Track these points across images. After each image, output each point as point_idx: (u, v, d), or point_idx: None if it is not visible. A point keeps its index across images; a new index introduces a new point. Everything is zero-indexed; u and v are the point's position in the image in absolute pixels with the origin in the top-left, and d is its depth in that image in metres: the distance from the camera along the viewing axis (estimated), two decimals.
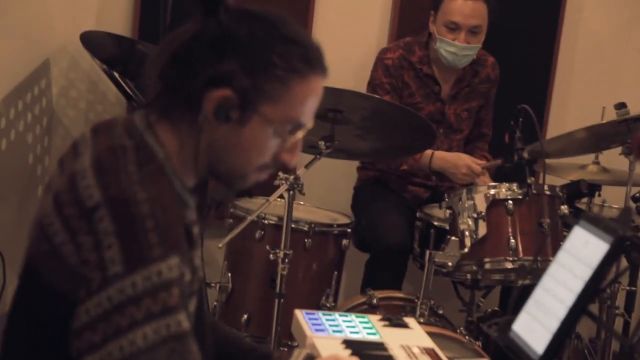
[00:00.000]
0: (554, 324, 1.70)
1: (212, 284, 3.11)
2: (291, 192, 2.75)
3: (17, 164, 3.43)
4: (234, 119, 1.43)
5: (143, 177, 1.37)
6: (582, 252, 1.74)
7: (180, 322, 1.33)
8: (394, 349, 1.98)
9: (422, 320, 2.75)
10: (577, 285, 1.70)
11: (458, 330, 2.78)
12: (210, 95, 1.42)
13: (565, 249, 1.80)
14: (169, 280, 1.32)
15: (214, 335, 1.73)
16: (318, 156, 2.82)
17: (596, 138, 3.24)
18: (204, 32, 1.43)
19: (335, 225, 3.15)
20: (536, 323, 1.77)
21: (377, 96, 3.24)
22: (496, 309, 3.35)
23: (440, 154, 3.39)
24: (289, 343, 2.84)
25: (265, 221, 3.04)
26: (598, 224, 1.74)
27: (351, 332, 2.05)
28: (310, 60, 1.47)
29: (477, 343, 2.77)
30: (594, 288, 1.69)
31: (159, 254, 1.32)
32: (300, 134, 1.50)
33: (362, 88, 3.49)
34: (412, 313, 2.81)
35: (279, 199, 2.82)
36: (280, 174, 2.74)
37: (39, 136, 3.60)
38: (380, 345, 2.00)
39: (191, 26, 1.45)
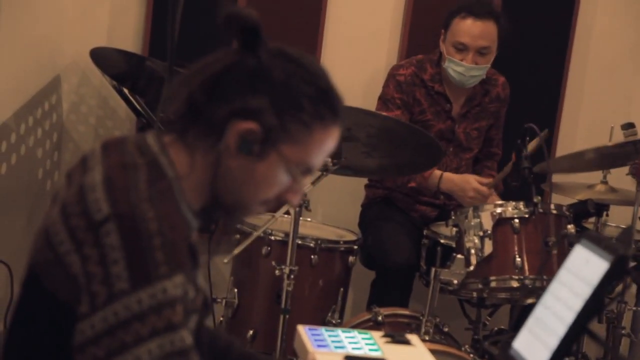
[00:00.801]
0: (553, 342, 1.70)
1: (219, 300, 3.12)
2: (297, 208, 2.76)
3: (26, 178, 3.46)
4: (253, 153, 1.47)
5: (152, 195, 1.39)
6: (582, 271, 1.74)
7: (183, 338, 1.35)
8: None
9: (427, 338, 2.75)
10: (576, 304, 1.70)
11: (463, 348, 2.78)
12: (236, 126, 1.45)
13: (567, 267, 1.80)
14: (173, 298, 1.34)
15: (214, 344, 1.76)
16: (325, 173, 2.83)
17: (604, 158, 3.24)
18: (241, 65, 1.47)
19: (341, 242, 3.16)
20: (536, 340, 1.77)
21: (384, 113, 3.25)
22: (502, 327, 3.35)
23: (448, 176, 3.40)
24: (294, 359, 2.84)
25: (272, 237, 3.05)
26: (599, 242, 1.74)
27: (353, 348, 2.05)
28: (336, 110, 1.53)
29: None
30: (594, 306, 1.68)
31: (165, 272, 1.34)
32: (308, 177, 1.55)
33: (371, 106, 3.51)
34: (417, 330, 2.80)
35: (286, 216, 2.83)
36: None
37: (48, 151, 3.63)
38: None
39: (226, 56, 1.50)
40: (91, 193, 1.40)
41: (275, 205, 1.57)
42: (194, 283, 1.43)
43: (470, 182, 3.36)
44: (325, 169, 2.82)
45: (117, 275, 1.33)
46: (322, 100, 1.50)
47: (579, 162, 3.25)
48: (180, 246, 1.38)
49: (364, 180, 3.69)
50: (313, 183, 2.83)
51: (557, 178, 3.60)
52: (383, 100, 3.48)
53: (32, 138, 3.46)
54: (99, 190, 1.40)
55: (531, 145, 3.08)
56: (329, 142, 1.53)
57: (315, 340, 2.06)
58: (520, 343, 1.83)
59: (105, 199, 1.39)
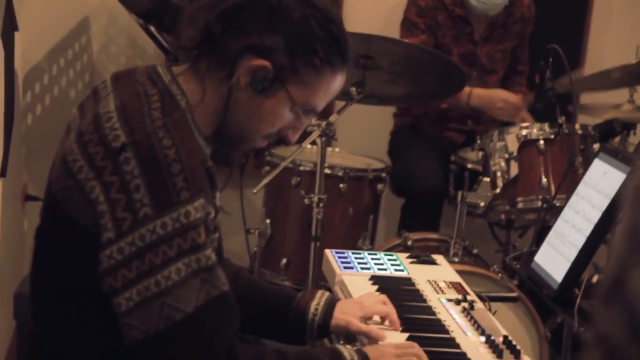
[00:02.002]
0: (573, 253, 1.75)
1: (252, 230, 3.19)
2: (323, 138, 2.80)
3: (60, 119, 3.53)
4: (263, 90, 1.51)
5: (167, 123, 1.44)
6: (600, 183, 1.78)
7: (208, 256, 1.42)
8: (420, 283, 2.03)
9: (456, 260, 2.80)
10: (595, 215, 1.74)
11: (491, 269, 2.82)
12: (249, 62, 1.49)
13: (585, 181, 1.84)
14: (196, 221, 1.40)
15: (238, 281, 1.81)
16: (349, 102, 2.85)
17: (631, 77, 3.22)
18: (261, 2, 1.50)
19: (370, 170, 3.21)
20: (556, 253, 1.81)
21: (408, 40, 3.26)
22: (534, 248, 3.38)
23: (477, 92, 3.39)
24: (327, 284, 2.91)
25: (301, 168, 3.11)
26: (616, 155, 1.77)
27: (379, 269, 2.10)
28: (346, 57, 1.56)
29: (512, 281, 2.81)
30: (612, 217, 1.72)
31: (186, 197, 1.39)
32: (311, 118, 1.59)
33: (392, 34, 3.51)
34: (446, 253, 2.85)
35: (315, 146, 2.88)
36: (313, 120, 2.79)
37: (81, 92, 3.69)
38: (407, 281, 2.05)
39: None
40: (107, 122, 1.45)
41: (274, 140, 1.63)
42: (213, 204, 1.48)
43: (498, 94, 3.37)
44: (349, 98, 2.84)
45: (140, 201, 1.38)
46: (334, 46, 1.53)
47: (606, 81, 3.23)
48: (198, 170, 1.42)
49: (392, 109, 3.72)
50: (338, 112, 2.86)
51: (583, 99, 3.60)
52: (406, 26, 3.48)
53: (65, 79, 3.52)
54: (114, 118, 1.45)
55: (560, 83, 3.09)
56: (334, 86, 1.57)
57: (342, 262, 2.12)
58: (542, 257, 1.88)
59: (121, 127, 1.43)
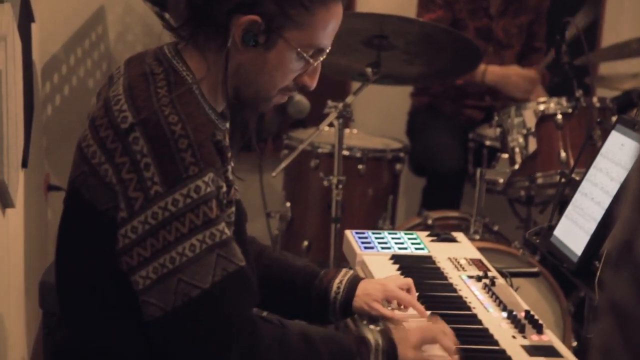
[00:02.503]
0: (592, 227, 1.74)
1: (273, 214, 3.21)
2: (341, 119, 2.80)
3: (80, 108, 3.56)
4: (260, 43, 1.49)
5: (173, 100, 1.44)
6: (617, 155, 1.77)
7: (222, 230, 1.43)
8: (441, 261, 2.03)
9: (477, 237, 2.80)
10: (613, 188, 1.73)
11: (512, 245, 2.83)
12: (238, 21, 1.48)
13: (602, 154, 1.83)
14: (207, 195, 1.40)
15: (262, 259, 1.82)
16: (365, 83, 2.85)
17: None
18: None
19: (388, 151, 3.21)
20: (575, 227, 1.81)
21: (425, 17, 3.25)
22: (552, 223, 3.37)
23: (492, 68, 3.39)
24: (348, 266, 2.92)
25: (320, 150, 3.12)
26: (634, 126, 1.76)
27: (399, 248, 2.11)
28: None
29: (533, 256, 2.81)
30: None
31: (195, 171, 1.40)
32: (320, 58, 1.56)
33: (406, 13, 3.50)
34: (467, 231, 2.85)
35: (332, 128, 2.88)
36: (329, 102, 2.80)
37: (99, 81, 3.72)
38: (428, 259, 2.05)
39: None
40: (115, 104, 1.46)
41: (295, 91, 1.60)
42: (225, 178, 1.48)
43: (513, 69, 3.36)
44: (365, 79, 2.84)
45: (150, 179, 1.39)
46: None
47: (624, 51, 3.22)
48: (206, 145, 1.43)
49: (407, 89, 3.71)
50: (355, 93, 2.86)
51: (602, 69, 3.58)
52: (423, 2, 3.46)
53: (83, 69, 3.55)
54: (122, 100, 1.46)
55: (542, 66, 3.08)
56: (332, 21, 1.54)
57: (362, 243, 2.12)
58: (561, 231, 1.88)
59: (128, 108, 1.44)
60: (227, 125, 1.60)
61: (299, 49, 1.51)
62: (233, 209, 1.53)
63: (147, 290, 1.41)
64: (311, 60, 1.54)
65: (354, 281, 1.79)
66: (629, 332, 0.58)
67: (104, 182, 1.44)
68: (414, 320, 1.70)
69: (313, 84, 1.59)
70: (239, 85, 1.54)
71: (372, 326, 1.65)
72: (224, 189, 1.46)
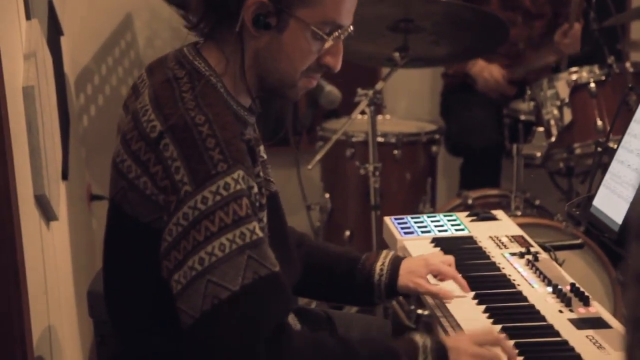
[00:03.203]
0: (630, 194, 1.72)
1: (313, 206, 3.22)
2: (372, 106, 2.80)
3: (115, 117, 3.59)
4: (272, 26, 1.47)
5: (198, 101, 1.43)
6: None
7: (253, 230, 1.38)
8: (482, 240, 2.03)
9: (518, 213, 2.78)
10: None
11: (555, 218, 2.80)
12: (246, 5, 1.45)
13: (636, 119, 1.81)
14: (236, 192, 1.38)
15: (302, 247, 1.81)
16: (394, 67, 2.85)
17: None
18: None
19: (423, 134, 3.20)
20: (614, 195, 1.79)
21: None
22: (591, 193, 3.34)
23: (479, 61, 3.41)
24: None
25: (354, 139, 3.12)
26: None
27: (439, 231, 2.10)
28: None
29: (578, 228, 2.79)
30: None
31: (223, 168, 1.38)
32: (339, 35, 1.52)
33: None
34: (508, 208, 2.84)
35: (364, 116, 2.88)
36: (359, 90, 2.79)
37: None
38: (469, 239, 2.04)
39: None
40: (143, 115, 1.45)
41: (319, 72, 1.56)
42: (256, 177, 1.47)
43: (489, 67, 3.38)
44: (394, 64, 2.84)
45: (180, 181, 1.38)
46: None
47: None
48: (235, 143, 1.41)
49: (438, 71, 3.69)
50: (384, 79, 2.86)
51: (633, 34, 3.51)
52: None
53: (115, 77, 3.59)
54: (150, 110, 1.45)
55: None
56: None
57: (402, 228, 2.12)
58: (600, 200, 1.86)
59: (156, 117, 1.43)
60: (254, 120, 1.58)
61: (313, 27, 1.48)
62: (265, 212, 1.51)
63: (179, 295, 1.37)
64: (327, 38, 1.50)
65: (396, 261, 1.79)
66: None
67: (144, 195, 1.43)
68: (459, 301, 1.70)
69: (337, 64, 1.54)
70: (261, 73, 1.52)
71: (425, 335, 1.56)
72: (255, 190, 1.44)
